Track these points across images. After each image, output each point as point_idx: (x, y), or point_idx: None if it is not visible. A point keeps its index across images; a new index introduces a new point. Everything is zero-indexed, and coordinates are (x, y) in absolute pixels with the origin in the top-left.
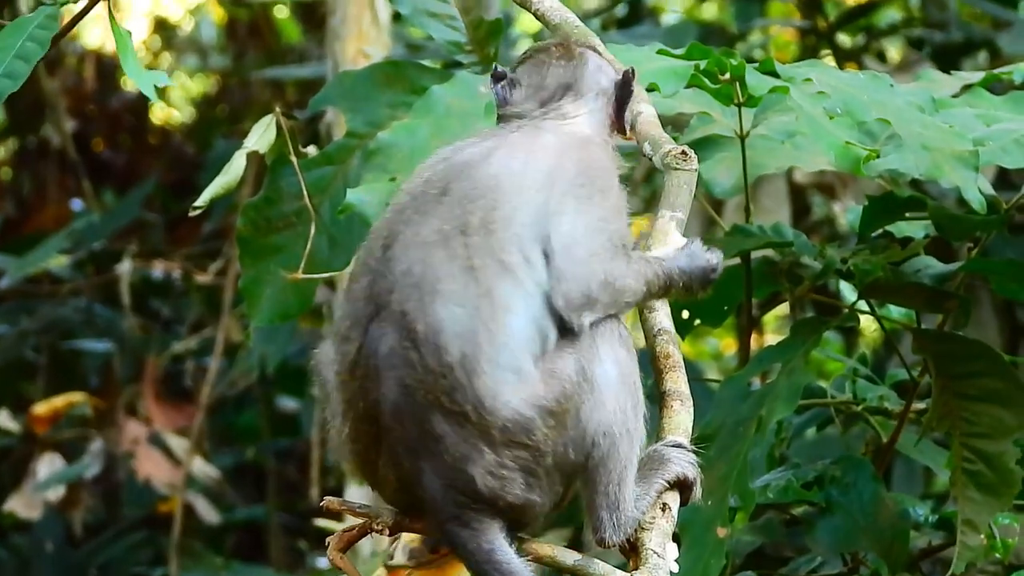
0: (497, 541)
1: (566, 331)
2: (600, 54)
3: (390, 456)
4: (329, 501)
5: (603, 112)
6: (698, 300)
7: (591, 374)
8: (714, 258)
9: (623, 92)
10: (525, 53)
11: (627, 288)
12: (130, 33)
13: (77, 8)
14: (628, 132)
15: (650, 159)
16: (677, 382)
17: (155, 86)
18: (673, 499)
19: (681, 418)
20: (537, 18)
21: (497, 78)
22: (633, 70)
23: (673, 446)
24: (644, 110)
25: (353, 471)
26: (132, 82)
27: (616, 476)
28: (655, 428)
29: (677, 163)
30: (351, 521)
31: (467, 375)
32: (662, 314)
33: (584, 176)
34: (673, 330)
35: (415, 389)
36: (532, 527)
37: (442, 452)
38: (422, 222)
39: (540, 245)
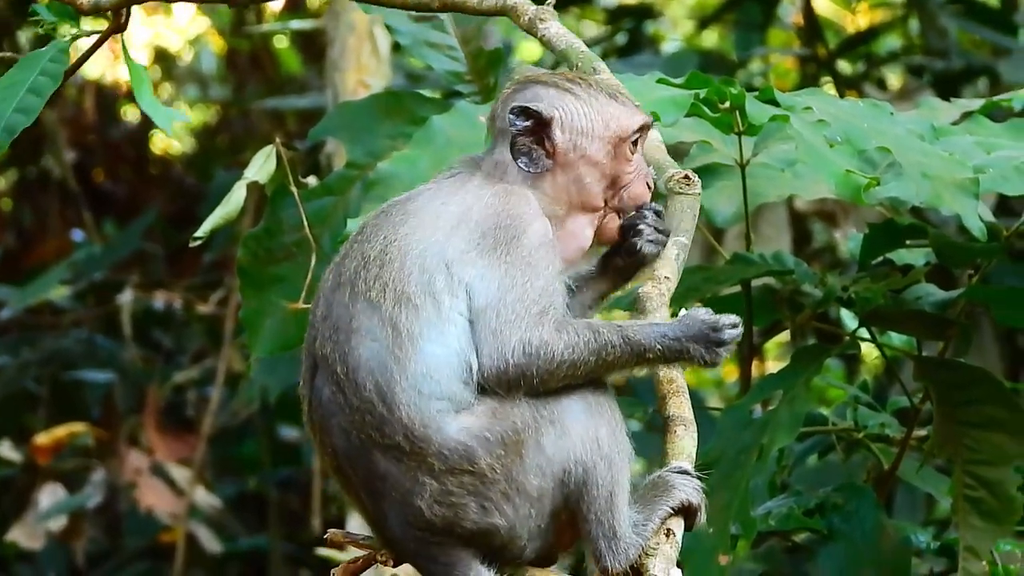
0: (472, 572)
1: None
2: (603, 79)
3: (359, 501)
4: (333, 534)
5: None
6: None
7: (550, 412)
8: (720, 320)
9: (515, 130)
10: None
11: (554, 358)
12: (145, 68)
13: (87, 43)
14: (533, 177)
15: (654, 183)
16: (681, 407)
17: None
18: (677, 525)
19: (685, 443)
20: (543, 44)
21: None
22: (521, 108)
23: (678, 472)
24: (648, 135)
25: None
26: (132, 113)
27: (604, 502)
28: (659, 453)
29: (680, 188)
30: (354, 551)
31: (386, 406)
32: None
33: (489, 225)
34: None
35: (349, 431)
36: (518, 554)
37: (390, 490)
38: (339, 265)
39: (455, 281)
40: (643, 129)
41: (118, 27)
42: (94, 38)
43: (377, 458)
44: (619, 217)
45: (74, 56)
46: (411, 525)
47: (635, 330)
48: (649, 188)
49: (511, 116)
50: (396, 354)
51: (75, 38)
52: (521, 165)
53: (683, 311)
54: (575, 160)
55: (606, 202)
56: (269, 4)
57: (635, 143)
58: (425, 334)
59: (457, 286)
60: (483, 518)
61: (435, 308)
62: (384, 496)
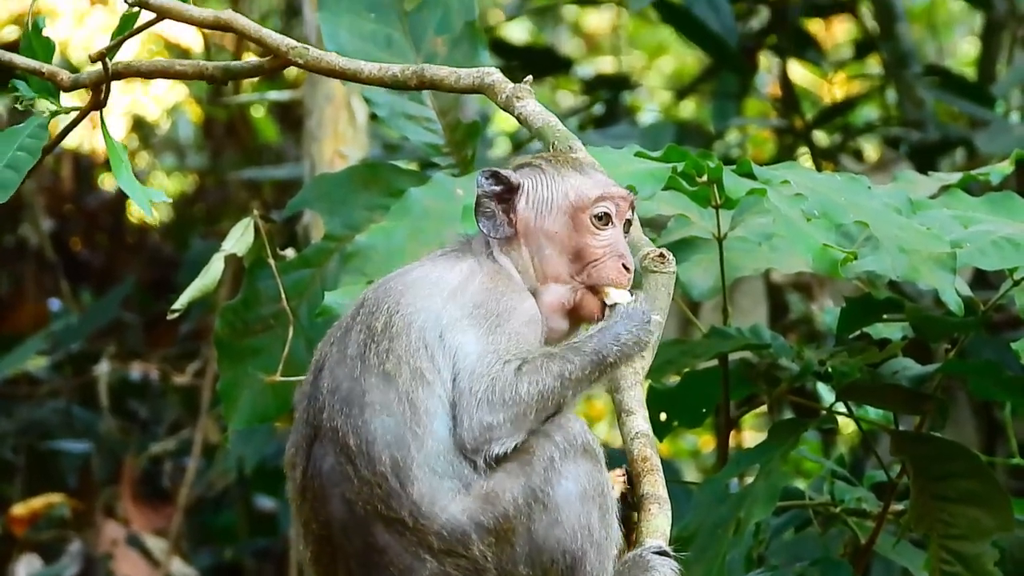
0: None
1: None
2: (578, 156)
3: (347, 573)
4: None
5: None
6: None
7: (545, 495)
8: (648, 315)
9: (481, 191)
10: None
11: (522, 395)
12: (125, 147)
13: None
14: (503, 246)
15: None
16: (655, 485)
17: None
18: None
19: (659, 521)
20: (520, 122)
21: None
22: (492, 172)
23: (656, 552)
24: (627, 211)
25: None
26: (109, 182)
27: None
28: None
29: (655, 266)
30: None
31: (399, 481)
32: (639, 417)
33: (482, 299)
34: (651, 433)
35: (354, 502)
36: None
37: (387, 564)
38: (344, 339)
39: (447, 358)
40: (606, 200)
41: (97, 104)
42: (74, 114)
43: (379, 531)
44: (595, 294)
45: (54, 130)
46: None
47: (589, 343)
48: (627, 270)
49: (480, 177)
50: (415, 430)
51: (55, 114)
52: (482, 227)
53: (619, 308)
54: (536, 230)
55: (573, 277)
56: None
57: (601, 217)
58: (438, 412)
59: (448, 355)
60: None
61: (443, 385)
62: (381, 569)
